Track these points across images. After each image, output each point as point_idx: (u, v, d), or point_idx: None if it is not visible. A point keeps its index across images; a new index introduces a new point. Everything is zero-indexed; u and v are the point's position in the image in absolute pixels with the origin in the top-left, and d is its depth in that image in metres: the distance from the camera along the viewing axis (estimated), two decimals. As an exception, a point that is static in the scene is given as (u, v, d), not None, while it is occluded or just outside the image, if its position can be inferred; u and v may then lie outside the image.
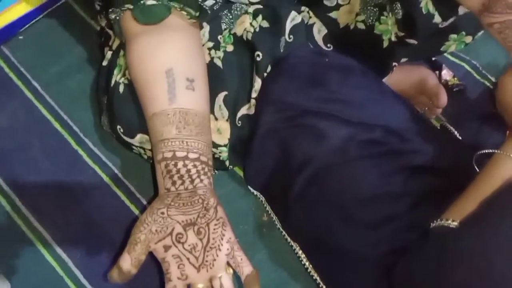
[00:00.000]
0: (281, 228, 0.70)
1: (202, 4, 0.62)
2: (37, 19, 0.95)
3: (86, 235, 0.72)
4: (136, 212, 0.74)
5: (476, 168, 0.54)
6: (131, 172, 0.78)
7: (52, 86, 0.88)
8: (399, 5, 0.73)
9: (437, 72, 0.95)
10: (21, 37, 0.93)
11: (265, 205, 0.72)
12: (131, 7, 0.59)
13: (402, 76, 0.84)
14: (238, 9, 0.73)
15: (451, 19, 0.74)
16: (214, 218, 0.57)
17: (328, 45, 0.77)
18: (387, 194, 0.56)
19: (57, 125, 0.83)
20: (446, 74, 0.95)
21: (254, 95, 0.68)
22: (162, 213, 0.56)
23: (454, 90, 0.93)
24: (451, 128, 0.77)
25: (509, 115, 0.58)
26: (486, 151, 0.53)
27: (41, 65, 0.91)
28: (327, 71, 0.62)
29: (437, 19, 0.75)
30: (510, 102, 0.58)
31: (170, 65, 0.59)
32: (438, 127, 0.83)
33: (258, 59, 0.68)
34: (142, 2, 0.58)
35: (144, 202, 0.76)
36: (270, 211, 0.72)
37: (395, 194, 0.56)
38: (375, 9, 0.72)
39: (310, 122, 0.59)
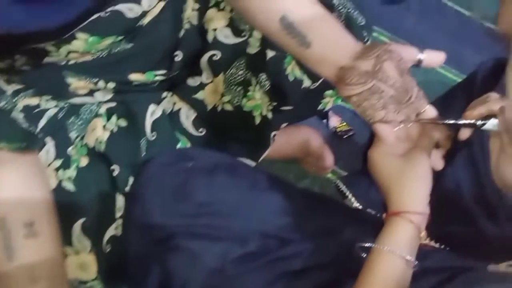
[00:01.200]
0: None
1: (29, 130, 0.53)
2: None
3: None
4: None
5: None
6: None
7: None
8: (264, 77, 0.69)
9: (324, 120, 0.94)
10: None
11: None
12: None
13: (284, 140, 0.81)
14: (87, 112, 0.65)
15: (322, 79, 0.72)
16: None
17: (200, 129, 0.71)
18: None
19: None
20: (334, 120, 0.93)
21: (118, 214, 0.60)
22: None
23: (344, 137, 0.92)
24: (343, 188, 0.75)
25: (382, 191, 0.55)
26: (366, 244, 0.50)
27: None
28: (192, 178, 0.56)
29: (307, 82, 0.71)
30: (381, 178, 0.55)
31: (0, 214, 0.50)
32: (333, 184, 0.80)
33: (114, 173, 0.60)
34: None
35: None
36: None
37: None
38: (238, 88, 0.68)
39: (181, 244, 0.53)
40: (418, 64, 0.56)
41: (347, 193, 0.75)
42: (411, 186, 0.52)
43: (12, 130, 0.51)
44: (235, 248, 0.52)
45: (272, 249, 0.53)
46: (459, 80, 0.92)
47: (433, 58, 0.54)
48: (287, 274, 0.53)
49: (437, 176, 0.59)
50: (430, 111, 0.54)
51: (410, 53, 0.53)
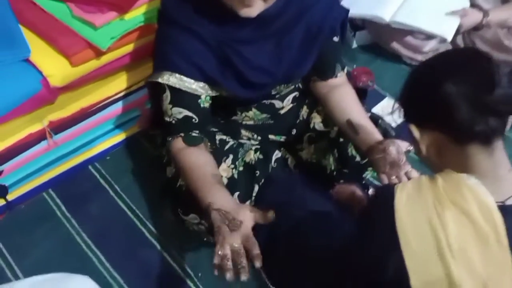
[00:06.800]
0: None
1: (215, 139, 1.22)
2: (117, 148, 1.52)
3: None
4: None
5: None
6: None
7: (129, 190, 1.43)
8: (336, 151, 1.31)
9: (366, 190, 1.50)
10: (108, 158, 1.51)
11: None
12: (182, 135, 1.13)
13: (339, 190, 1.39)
14: (247, 147, 1.31)
15: (366, 159, 1.31)
16: None
17: (295, 170, 1.33)
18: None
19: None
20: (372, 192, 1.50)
21: (253, 194, 1.21)
22: None
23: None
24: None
25: None
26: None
27: (121, 173, 1.47)
28: (297, 190, 1.17)
29: (358, 158, 1.32)
30: None
31: (202, 162, 1.11)
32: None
33: (257, 174, 1.23)
34: (190, 133, 1.12)
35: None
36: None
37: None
38: (321, 153, 1.30)
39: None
40: (408, 151, 1.14)
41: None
42: None
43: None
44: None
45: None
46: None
47: None
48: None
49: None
50: (413, 172, 1.10)
51: (403, 145, 1.13)
